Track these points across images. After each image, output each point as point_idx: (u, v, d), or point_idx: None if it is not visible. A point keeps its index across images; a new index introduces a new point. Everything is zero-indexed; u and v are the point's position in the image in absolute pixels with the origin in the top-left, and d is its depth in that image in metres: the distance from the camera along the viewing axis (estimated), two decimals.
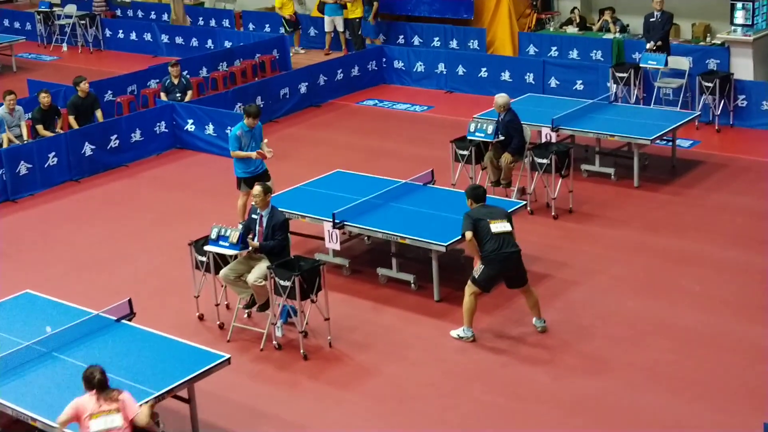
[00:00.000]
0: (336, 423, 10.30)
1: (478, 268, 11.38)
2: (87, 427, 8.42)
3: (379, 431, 10.12)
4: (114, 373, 9.55)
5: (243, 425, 10.26)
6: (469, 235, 11.25)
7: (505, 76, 21.38)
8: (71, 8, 29.17)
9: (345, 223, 12.84)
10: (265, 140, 14.52)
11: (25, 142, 17.91)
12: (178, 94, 20.04)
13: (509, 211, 12.99)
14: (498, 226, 11.32)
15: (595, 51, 21.57)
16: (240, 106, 19.97)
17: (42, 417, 8.96)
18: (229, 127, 18.40)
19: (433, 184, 14.14)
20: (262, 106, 20.36)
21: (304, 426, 10.24)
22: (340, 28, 24.87)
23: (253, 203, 11.87)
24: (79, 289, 13.11)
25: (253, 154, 14.21)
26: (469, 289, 11.46)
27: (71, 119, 18.68)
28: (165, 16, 29.28)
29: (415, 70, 22.87)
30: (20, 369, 9.77)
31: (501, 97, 15.08)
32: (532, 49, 22.62)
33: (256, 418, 10.39)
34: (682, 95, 19.01)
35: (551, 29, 23.86)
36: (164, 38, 27.25)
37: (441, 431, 10.05)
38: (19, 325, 10.73)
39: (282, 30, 25.21)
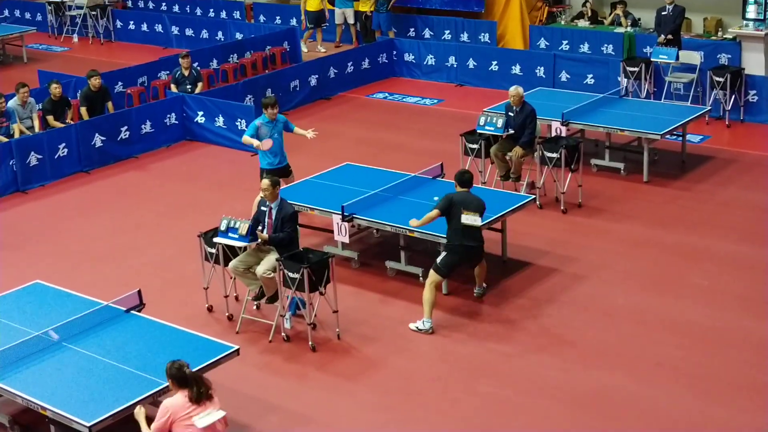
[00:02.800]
0: (343, 415, 10.33)
1: (440, 255, 11.74)
2: (191, 425, 8.36)
3: (385, 423, 10.14)
4: (124, 363, 9.63)
5: (251, 416, 10.29)
6: (435, 213, 11.66)
7: (516, 69, 21.37)
8: None
9: (354, 215, 12.86)
10: (309, 135, 14.64)
11: (36, 133, 17.95)
12: (188, 86, 20.08)
13: (517, 205, 13.07)
14: (468, 218, 11.56)
15: (606, 45, 21.55)
16: (250, 98, 20.01)
17: (52, 406, 9.00)
18: (239, 119, 18.52)
19: (442, 178, 14.14)
20: None
21: (312, 417, 10.27)
22: (351, 21, 24.86)
23: (261, 196, 11.89)
24: (88, 280, 13.16)
25: (256, 142, 14.16)
26: (431, 278, 11.69)
27: (83, 110, 18.72)
28: (176, 8, 29.30)
29: (425, 63, 22.87)
30: (30, 359, 9.81)
31: (520, 88, 15.09)
32: (543, 43, 22.61)
33: (265, 409, 10.42)
34: (692, 90, 18.98)
35: (562, 23, 23.84)
36: (175, 30, 27.27)
37: (448, 424, 10.07)
38: (29, 315, 10.78)
39: (307, 23, 24.97)
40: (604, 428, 9.86)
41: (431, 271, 11.70)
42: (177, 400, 8.45)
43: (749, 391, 10.26)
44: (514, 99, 15.00)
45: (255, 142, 14.13)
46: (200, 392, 8.45)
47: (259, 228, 11.79)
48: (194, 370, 9.41)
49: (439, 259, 11.71)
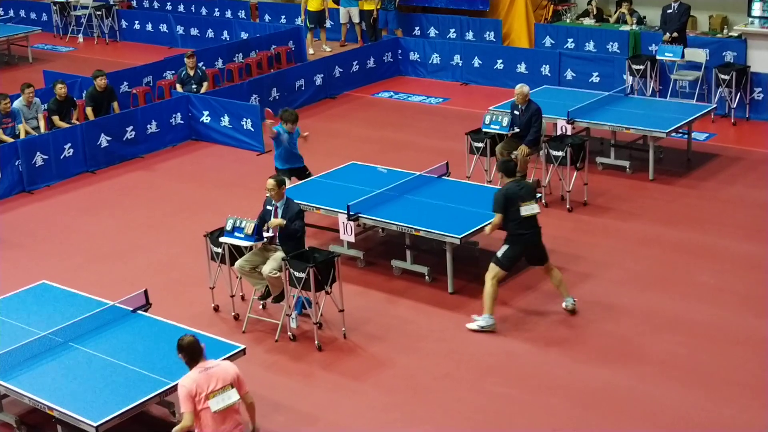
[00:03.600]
0: (350, 414, 10.34)
1: (501, 248, 11.58)
2: (206, 407, 8.40)
3: (392, 422, 10.14)
4: (130, 363, 9.65)
5: (258, 415, 10.23)
6: (498, 219, 11.54)
7: (521, 68, 21.36)
8: None
9: (359, 215, 12.87)
10: (305, 133, 14.72)
11: (42, 133, 17.97)
12: (193, 86, 20.10)
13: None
14: (527, 209, 11.49)
15: (611, 43, 21.54)
16: (255, 98, 20.02)
17: (58, 406, 9.02)
18: (244, 118, 18.54)
19: (447, 177, 14.14)
20: (277, 97, 20.46)
21: (318, 416, 10.27)
22: (356, 20, 24.85)
23: (267, 195, 11.91)
24: (95, 280, 13.18)
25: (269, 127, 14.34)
26: (491, 272, 11.56)
27: (89, 111, 18.75)
28: (181, 7, 29.32)
29: (430, 61, 22.87)
30: (37, 359, 9.84)
31: (525, 86, 15.10)
32: (548, 41, 22.60)
33: (271, 408, 10.42)
34: (698, 88, 18.97)
35: (568, 21, 23.83)
36: (180, 29, 27.30)
37: (454, 423, 10.07)
38: (35, 315, 10.80)
39: (307, 23, 24.95)
40: (610, 426, 9.86)
41: (492, 265, 11.61)
42: (192, 376, 8.49)
43: (754, 390, 10.25)
44: (519, 97, 15.00)
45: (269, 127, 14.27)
46: (195, 358, 8.56)
47: (264, 228, 11.80)
48: None
49: (500, 253, 11.61)
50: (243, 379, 8.70)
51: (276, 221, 11.68)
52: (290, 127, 14.34)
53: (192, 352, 8.54)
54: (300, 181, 14.46)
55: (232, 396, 8.52)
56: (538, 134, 15.01)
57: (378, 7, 24.16)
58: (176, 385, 9.19)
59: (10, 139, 17.50)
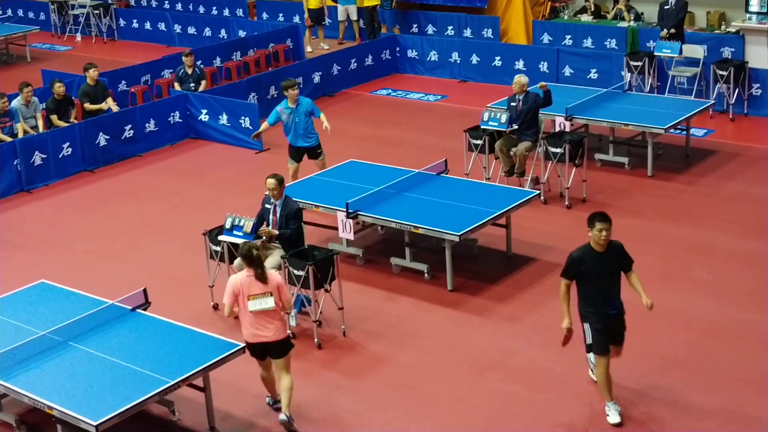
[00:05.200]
0: (349, 411, 10.34)
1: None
2: (245, 306, 9.59)
3: (392, 420, 10.15)
4: (130, 362, 9.64)
5: (257, 413, 10.31)
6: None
7: (519, 64, 21.36)
8: None
9: (358, 212, 12.87)
10: (326, 126, 15.01)
11: (40, 132, 17.96)
12: (191, 84, 20.10)
13: (522, 201, 13.07)
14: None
15: (609, 39, 21.54)
16: (254, 96, 20.04)
17: (58, 405, 9.01)
18: (243, 117, 18.54)
19: (446, 174, 14.14)
20: (275, 95, 20.46)
21: (318, 414, 10.27)
22: (354, 17, 24.84)
23: (267, 193, 11.90)
24: (94, 279, 13.17)
25: (261, 127, 14.94)
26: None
27: (87, 105, 18.74)
28: (178, 6, 29.30)
29: (428, 59, 22.87)
30: (36, 358, 9.82)
31: (524, 77, 15.11)
32: (546, 38, 22.60)
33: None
34: (696, 84, 18.97)
35: (565, 17, 23.82)
36: (177, 28, 27.28)
37: (454, 420, 10.08)
38: (34, 314, 10.79)
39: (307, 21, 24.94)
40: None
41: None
42: (240, 277, 9.72)
43: (755, 385, 10.26)
44: (517, 86, 14.99)
45: (261, 127, 14.94)
46: (263, 274, 9.60)
47: (264, 225, 11.81)
48: (200, 368, 9.49)
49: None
50: (284, 287, 9.87)
51: (267, 230, 11.69)
52: (292, 96, 14.49)
53: (247, 258, 9.61)
54: (312, 161, 14.80)
55: (269, 302, 9.58)
56: (549, 102, 15.05)
57: (376, 4, 24.15)
58: (175, 384, 9.24)
59: (8, 138, 17.48)
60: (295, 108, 14.72)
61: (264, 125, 15.13)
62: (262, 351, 9.89)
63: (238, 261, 11.92)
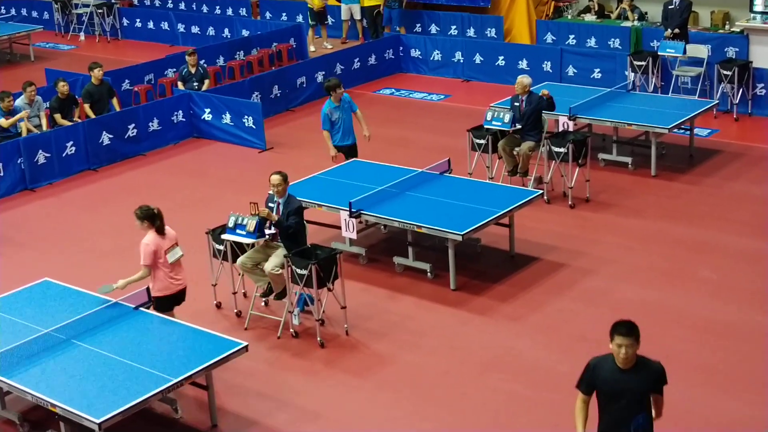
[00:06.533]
0: (352, 410, 10.34)
1: None
2: (165, 260, 10.65)
3: (395, 419, 10.14)
4: (133, 360, 9.64)
5: (260, 412, 10.31)
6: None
7: (523, 64, 21.35)
8: None
9: (361, 211, 12.86)
10: (366, 133, 15.16)
11: (44, 131, 17.97)
12: (195, 83, 20.11)
13: (525, 200, 13.06)
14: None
15: (613, 39, 21.52)
16: (257, 95, 20.04)
17: (61, 403, 9.01)
18: (246, 116, 18.54)
19: (449, 173, 14.13)
20: (278, 94, 20.47)
21: (321, 413, 10.27)
22: (357, 17, 24.84)
23: (270, 191, 11.90)
24: (97, 277, 13.12)
25: (333, 151, 14.91)
26: None
27: (86, 107, 18.75)
28: (182, 5, 29.31)
29: (432, 58, 22.86)
30: (40, 356, 9.83)
31: (527, 77, 15.11)
32: (549, 37, 22.58)
33: (273, 405, 10.43)
34: (700, 84, 18.96)
35: (569, 17, 23.81)
36: (181, 27, 27.30)
37: (457, 419, 10.07)
38: (38, 312, 10.80)
39: (310, 20, 24.93)
40: None
41: None
42: (153, 236, 10.68)
43: (757, 385, 10.25)
44: (519, 87, 14.99)
45: (332, 150, 14.92)
46: (162, 227, 10.73)
47: (267, 225, 11.80)
48: (203, 366, 9.50)
49: None
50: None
51: (266, 210, 11.67)
52: (335, 97, 14.66)
53: (152, 218, 10.67)
54: (346, 161, 14.85)
55: (180, 251, 10.84)
56: (553, 107, 15.13)
57: (383, 3, 24.13)
58: (178, 382, 9.25)
59: (34, 129, 17.57)
60: (340, 105, 14.75)
61: (327, 136, 14.92)
62: (173, 302, 10.90)
63: (241, 260, 11.93)
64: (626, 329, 7.84)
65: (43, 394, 9.21)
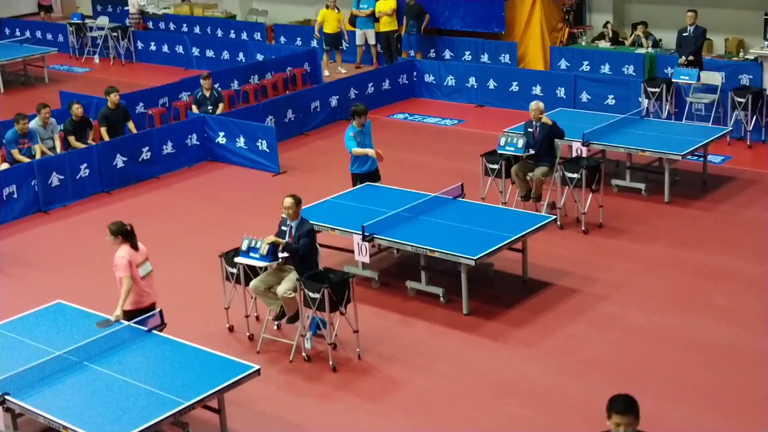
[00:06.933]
0: None
1: None
2: (137, 274, 10.95)
3: None
4: (145, 382, 9.64)
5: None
6: None
7: (536, 90, 21.37)
8: (103, 20, 29.48)
9: (374, 235, 12.86)
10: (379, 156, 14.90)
11: (58, 153, 18.03)
12: (209, 107, 20.16)
13: (538, 225, 13.05)
14: None
15: (627, 66, 21.53)
16: (271, 119, 20.08)
17: (73, 425, 9.00)
18: (260, 140, 18.58)
19: (462, 198, 14.13)
20: (292, 119, 20.53)
21: None
22: (372, 42, 24.93)
23: (283, 215, 11.91)
24: (110, 300, 13.07)
25: (372, 152, 14.60)
26: None
27: (103, 131, 18.81)
28: (197, 29, 29.45)
29: (445, 84, 22.90)
30: (52, 378, 9.83)
31: (540, 103, 15.15)
32: (563, 64, 22.60)
33: (285, 428, 10.42)
34: (714, 110, 18.93)
35: (583, 43, 23.84)
36: (195, 51, 27.41)
37: None
38: (50, 334, 10.82)
39: (323, 44, 25.02)
40: None
41: None
42: (127, 250, 11.01)
43: None
44: (534, 113, 14.99)
45: (371, 152, 14.63)
46: (135, 242, 11.11)
47: (280, 248, 11.81)
48: (215, 389, 9.48)
49: None
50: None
51: (276, 239, 11.66)
52: (359, 122, 14.60)
53: (125, 234, 11.05)
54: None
55: (149, 265, 11.20)
56: (563, 136, 15.20)
57: (404, 29, 24.21)
58: (190, 405, 9.23)
59: (26, 159, 17.57)
60: (363, 131, 14.74)
61: (358, 150, 14.66)
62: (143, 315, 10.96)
63: (253, 283, 11.93)
64: (624, 406, 6.95)
65: (56, 416, 9.20)
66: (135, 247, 11.07)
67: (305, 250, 11.76)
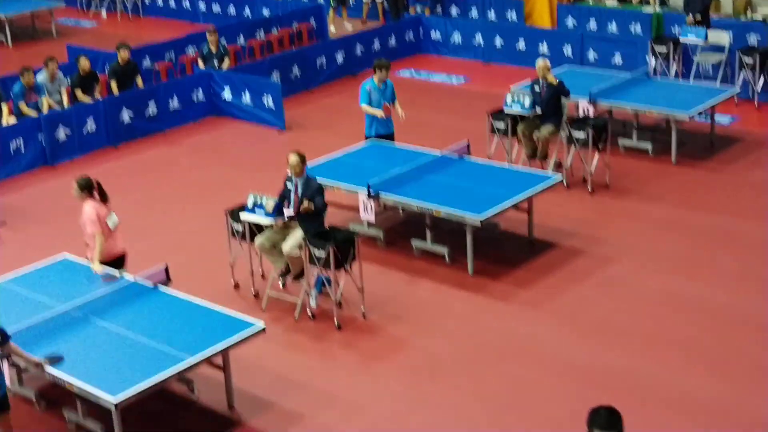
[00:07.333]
0: (368, 393, 10.35)
1: None
2: (105, 226, 11.17)
3: (410, 402, 10.15)
4: (150, 338, 9.67)
5: (276, 393, 10.33)
6: None
7: (543, 48, 21.26)
8: None
9: (380, 194, 12.85)
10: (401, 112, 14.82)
11: (65, 108, 18.00)
12: (215, 62, 20.09)
13: (544, 185, 13.02)
14: None
15: (634, 24, 21.40)
16: (277, 75, 20.02)
17: (78, 381, 9.05)
18: (265, 95, 18.53)
19: (468, 157, 14.10)
20: (298, 75, 20.45)
21: (337, 395, 10.29)
22: None
23: (288, 172, 11.89)
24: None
25: (380, 112, 14.47)
26: None
27: (113, 84, 18.77)
28: None
29: (452, 41, 22.79)
30: (58, 333, 9.86)
31: (547, 60, 15.08)
32: (570, 22, 22.47)
33: (290, 386, 10.45)
34: (721, 71, 18.84)
35: (590, 1, 23.67)
36: (202, 6, 27.28)
37: (473, 402, 10.07)
38: (56, 289, 10.84)
39: (331, 1, 24.90)
40: (627, 408, 9.78)
41: None
42: (93, 204, 11.19)
43: None
44: (541, 71, 14.92)
45: (380, 113, 14.49)
46: (104, 195, 11.30)
47: (285, 205, 11.80)
48: (221, 347, 9.50)
49: None
50: None
51: (306, 206, 11.61)
52: (380, 77, 14.48)
53: (92, 189, 11.21)
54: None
55: (116, 218, 11.36)
56: (568, 95, 15.15)
57: None
58: (195, 362, 9.27)
59: (33, 113, 17.55)
60: (381, 89, 14.61)
61: (367, 108, 14.59)
62: (112, 267, 11.15)
63: (259, 240, 11.94)
64: (606, 421, 6.22)
65: (60, 372, 9.25)
66: (103, 201, 11.29)
67: (325, 206, 11.77)
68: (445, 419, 9.85)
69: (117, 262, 11.30)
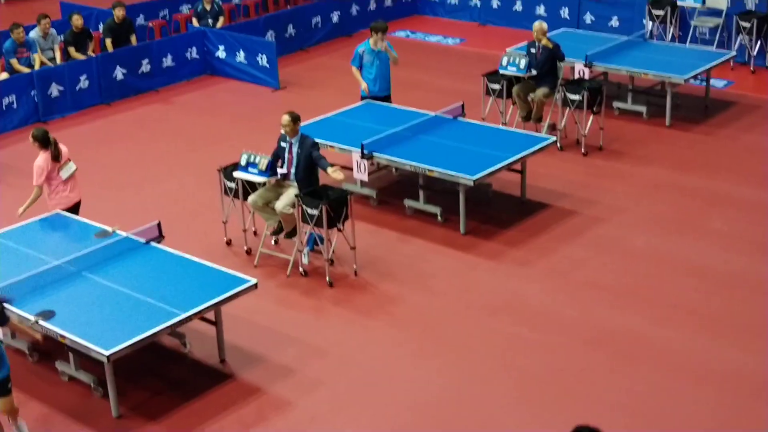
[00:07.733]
0: (359, 348, 10.40)
1: None
2: (58, 177, 11.39)
3: (401, 356, 10.19)
4: (143, 294, 9.69)
5: (268, 348, 10.37)
6: None
7: (540, 10, 21.18)
8: None
9: (373, 153, 12.84)
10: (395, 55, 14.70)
11: (58, 64, 17.93)
12: (209, 20, 20.01)
13: (538, 146, 13.03)
14: None
15: None
16: (271, 34, 19.95)
17: (70, 334, 9.07)
18: (260, 54, 18.47)
19: (463, 118, 14.08)
20: (293, 34, 20.38)
21: (328, 350, 10.33)
22: None
23: (282, 131, 11.87)
24: (108, 211, 13.18)
25: (363, 84, 14.46)
26: None
27: (108, 42, 18.70)
28: None
29: (448, 1, 22.70)
30: (50, 288, 9.89)
31: (544, 23, 15.02)
32: None
33: (281, 341, 10.49)
34: (718, 35, 18.80)
35: None
36: None
37: (463, 358, 10.11)
38: (49, 244, 10.86)
39: None
40: (617, 367, 9.89)
41: None
42: (44, 157, 11.33)
43: (763, 335, 10.26)
44: (537, 33, 14.89)
45: (362, 84, 14.46)
46: (57, 152, 11.38)
47: (279, 164, 11.80)
48: (213, 302, 9.53)
49: None
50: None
51: (336, 172, 11.60)
52: (375, 40, 14.37)
53: (46, 141, 11.35)
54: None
55: (73, 166, 11.52)
56: (564, 60, 15.12)
57: None
58: (187, 317, 9.30)
59: (26, 69, 17.48)
60: (376, 51, 14.49)
61: (356, 72, 14.59)
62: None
63: (252, 198, 11.94)
64: None
65: (53, 324, 9.27)
66: (55, 158, 11.39)
67: (323, 159, 11.79)
68: (435, 373, 9.90)
69: (71, 211, 11.65)
